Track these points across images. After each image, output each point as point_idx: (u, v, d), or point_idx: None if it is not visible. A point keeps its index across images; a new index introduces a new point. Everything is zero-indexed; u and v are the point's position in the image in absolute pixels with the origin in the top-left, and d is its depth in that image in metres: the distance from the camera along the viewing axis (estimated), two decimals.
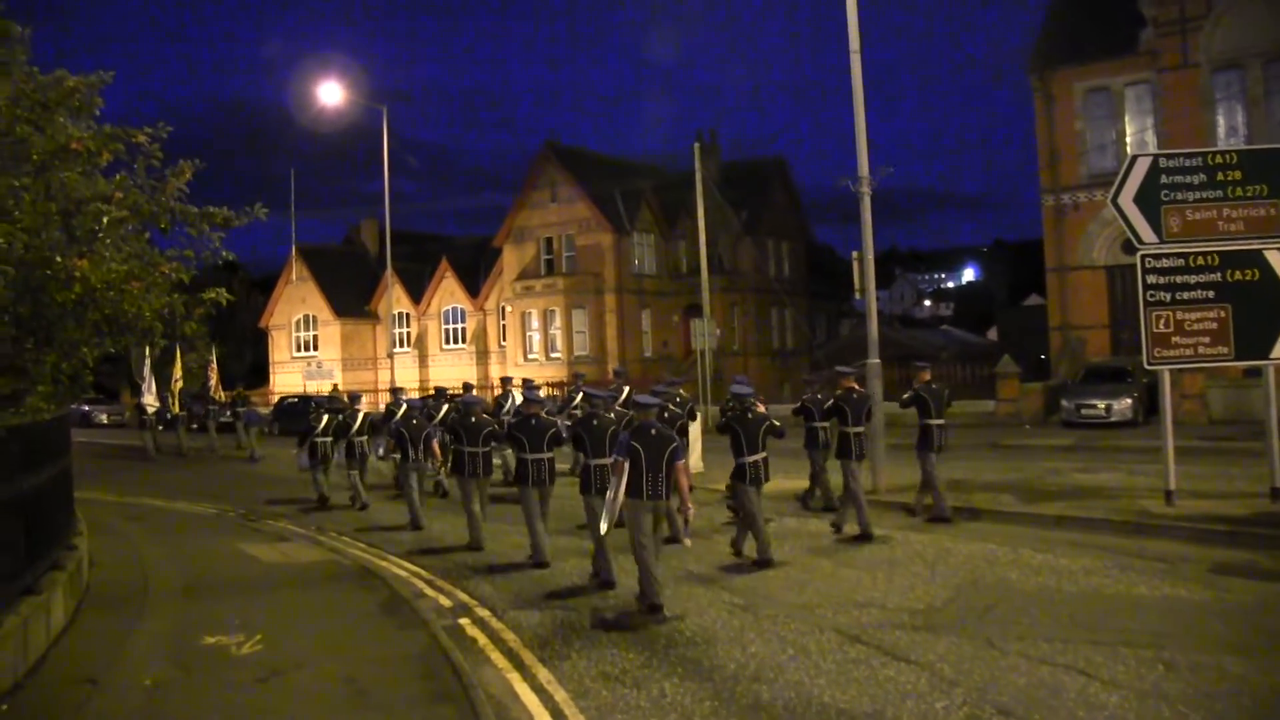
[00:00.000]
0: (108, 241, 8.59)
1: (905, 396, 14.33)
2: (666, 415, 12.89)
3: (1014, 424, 27.80)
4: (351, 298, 56.30)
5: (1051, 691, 6.78)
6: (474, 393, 17.42)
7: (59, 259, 7.93)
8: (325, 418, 18.34)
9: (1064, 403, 26.72)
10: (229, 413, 32.76)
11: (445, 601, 10.23)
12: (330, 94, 34.44)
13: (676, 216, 47.90)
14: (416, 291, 54.54)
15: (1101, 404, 25.58)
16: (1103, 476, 16.61)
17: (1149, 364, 13.36)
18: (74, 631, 9.09)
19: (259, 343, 62.28)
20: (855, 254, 17.40)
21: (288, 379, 53.49)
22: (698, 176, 33.33)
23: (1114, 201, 13.33)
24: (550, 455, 12.11)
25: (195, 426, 34.00)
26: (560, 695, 7.14)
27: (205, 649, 8.40)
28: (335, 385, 44.49)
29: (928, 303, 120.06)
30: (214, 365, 33.72)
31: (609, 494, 9.88)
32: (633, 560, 9.65)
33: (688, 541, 11.61)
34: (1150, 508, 13.09)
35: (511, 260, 49.11)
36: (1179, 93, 28.56)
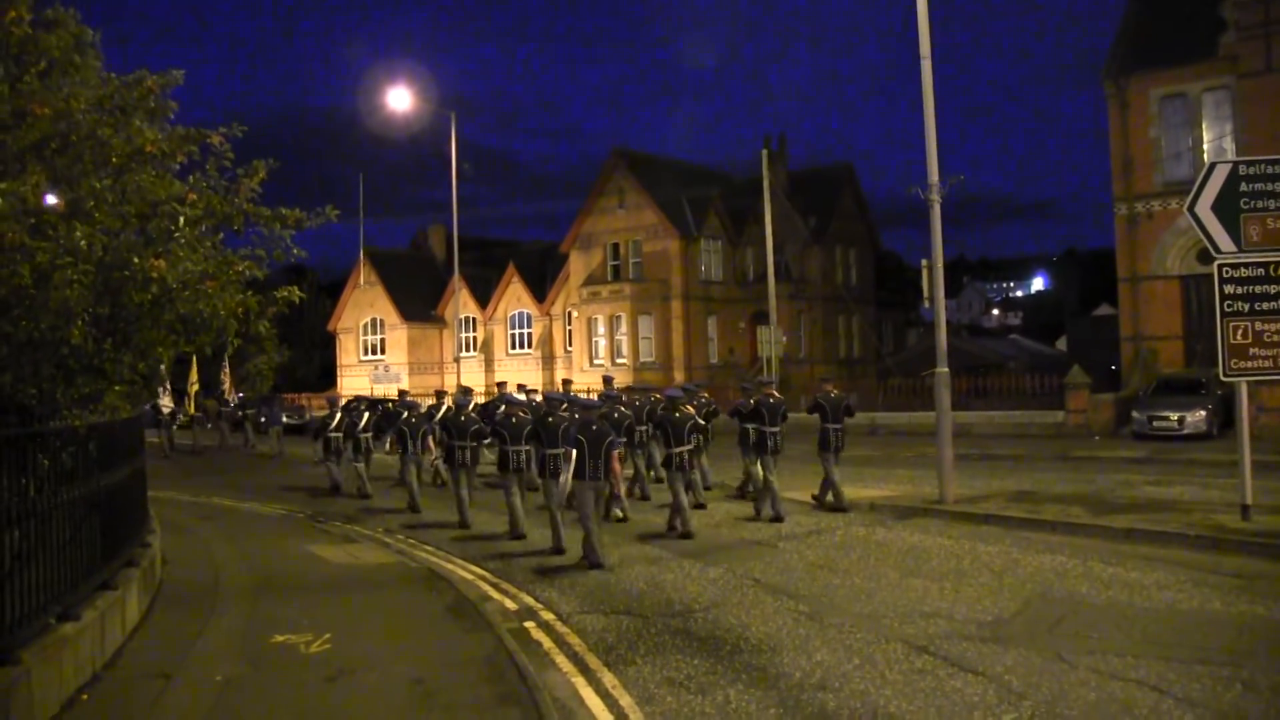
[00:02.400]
0: (182, 242, 8.71)
1: (809, 405, 16.45)
2: (617, 415, 15.43)
3: (1084, 435, 27.36)
4: (419, 302, 56.92)
5: (1123, 708, 6.64)
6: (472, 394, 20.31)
7: (136, 259, 8.06)
8: (338, 417, 20.75)
9: (1135, 414, 26.24)
10: (240, 413, 36.58)
11: (511, 605, 10.30)
12: (399, 100, 34.79)
13: (744, 223, 47.78)
14: (483, 296, 55.01)
15: (1174, 416, 25.08)
16: (1176, 490, 16.28)
17: (1225, 376, 13.04)
18: (148, 627, 9.30)
19: (327, 346, 63.16)
20: (924, 262, 17.23)
21: (355, 382, 54.15)
22: (765, 183, 33.27)
23: (1191, 210, 13.03)
24: (528, 448, 14.17)
25: (209, 426, 38.34)
26: (625, 700, 7.15)
27: (275, 647, 8.53)
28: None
29: (996, 312, 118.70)
30: (226, 370, 37.19)
31: (561, 478, 12.43)
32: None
33: (618, 512, 15.15)
34: (1226, 522, 12.78)
35: (578, 266, 49.31)
36: (1261, 98, 27.93)
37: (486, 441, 15.88)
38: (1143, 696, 6.81)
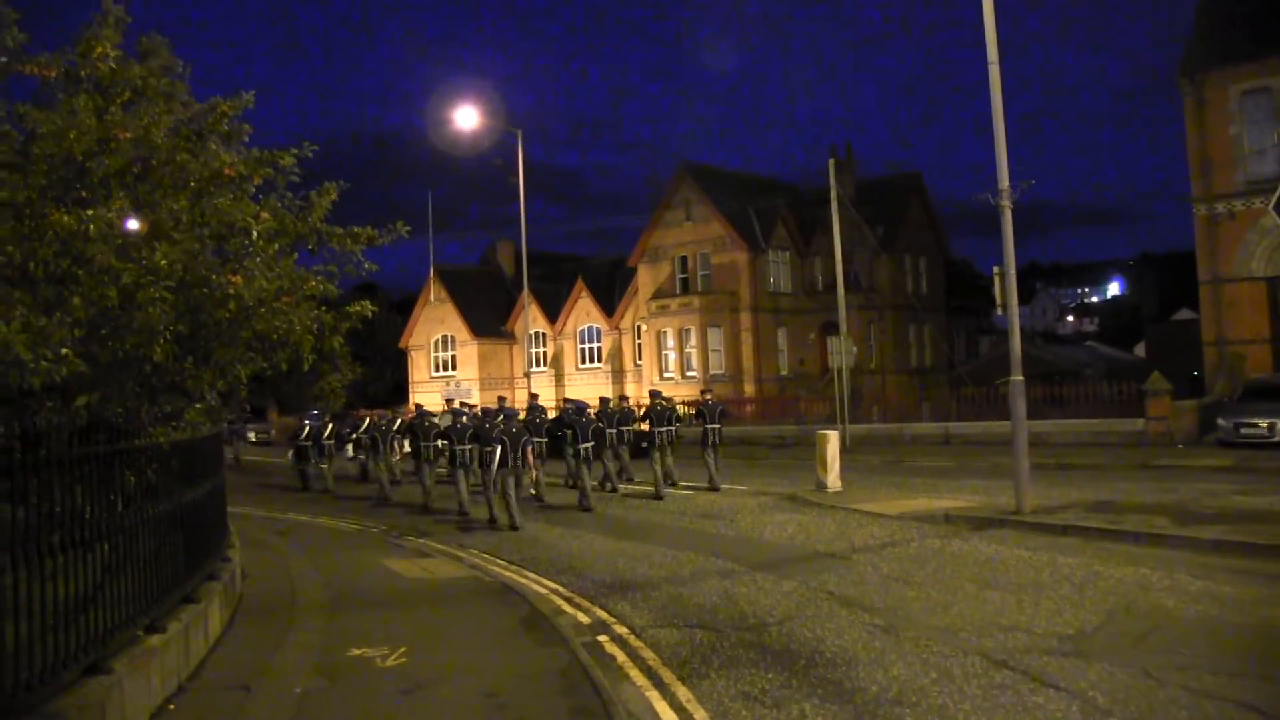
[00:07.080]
0: (258, 259, 8.88)
1: (693, 412, 21.72)
2: (539, 420, 21.36)
3: (1165, 443, 26.66)
4: (489, 318, 57.41)
5: None
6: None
7: (214, 277, 8.23)
8: (306, 428, 26.16)
9: (1221, 421, 25.45)
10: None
11: (584, 619, 10.31)
12: (466, 118, 35.13)
13: (812, 234, 47.57)
14: (552, 311, 55.32)
15: (1264, 423, 24.24)
16: (1267, 500, 15.71)
17: None
18: (229, 639, 9.45)
19: (399, 363, 63.89)
20: (996, 269, 17.00)
21: (427, 399, 54.66)
22: (833, 193, 33.03)
23: (1277, 209, 12.70)
24: (471, 447, 18.32)
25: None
26: (700, 715, 7.10)
27: (351, 660, 8.62)
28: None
29: (1071, 318, 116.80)
30: None
31: (493, 468, 16.60)
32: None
33: (531, 490, 19.86)
34: None
35: (646, 279, 49.41)
36: None
37: (442, 443, 19.78)
38: (1241, 718, 6.54)
